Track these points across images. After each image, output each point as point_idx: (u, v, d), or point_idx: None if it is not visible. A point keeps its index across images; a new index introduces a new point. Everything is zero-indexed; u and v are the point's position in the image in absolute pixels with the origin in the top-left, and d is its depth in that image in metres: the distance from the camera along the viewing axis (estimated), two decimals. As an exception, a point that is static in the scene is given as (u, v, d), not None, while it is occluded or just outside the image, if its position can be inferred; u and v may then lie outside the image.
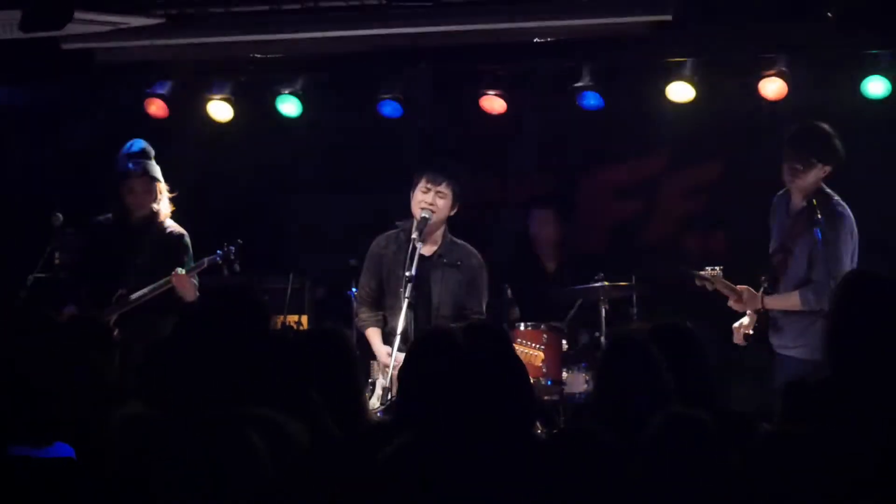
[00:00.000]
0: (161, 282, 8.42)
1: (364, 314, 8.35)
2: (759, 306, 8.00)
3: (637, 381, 4.97)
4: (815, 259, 7.72)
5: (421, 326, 7.95)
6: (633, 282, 9.63)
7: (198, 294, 8.46)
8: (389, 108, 10.28)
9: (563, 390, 9.11)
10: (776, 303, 7.98)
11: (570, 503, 4.26)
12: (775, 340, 8.03)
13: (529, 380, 4.92)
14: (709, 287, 8.15)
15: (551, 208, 10.34)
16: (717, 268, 8.19)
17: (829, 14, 8.46)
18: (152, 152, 8.65)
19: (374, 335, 8.21)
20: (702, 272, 8.16)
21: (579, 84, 10.02)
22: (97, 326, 6.59)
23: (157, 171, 8.62)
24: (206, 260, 8.59)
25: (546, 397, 9.04)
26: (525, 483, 4.36)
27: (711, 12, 8.93)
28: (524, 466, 4.41)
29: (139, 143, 8.64)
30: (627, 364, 5.09)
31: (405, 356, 5.39)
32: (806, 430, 4.14)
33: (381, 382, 7.97)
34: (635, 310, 9.61)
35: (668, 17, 8.64)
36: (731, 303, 8.15)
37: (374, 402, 7.86)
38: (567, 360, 9.22)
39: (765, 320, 8.05)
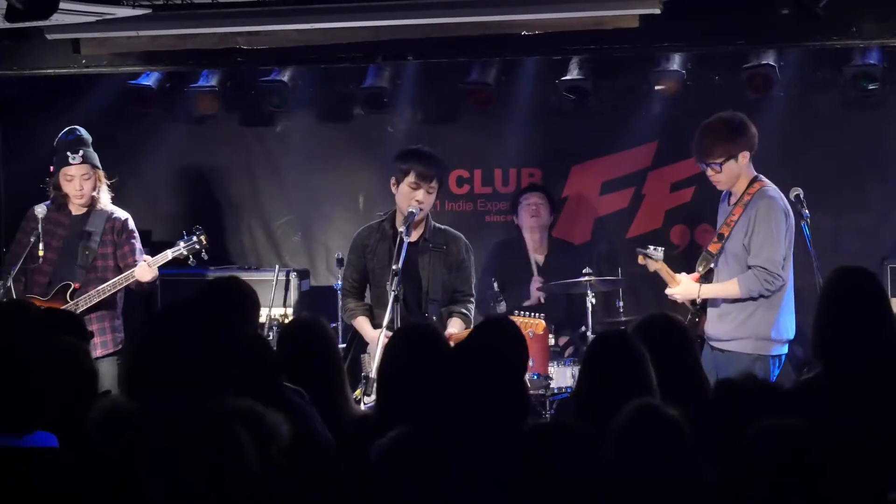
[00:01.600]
0: (124, 275, 8.37)
1: (351, 304, 8.33)
2: (695, 295, 7.88)
3: (620, 376, 4.95)
4: (751, 246, 7.65)
5: (412, 313, 7.95)
6: (620, 276, 9.62)
7: (157, 279, 8.43)
8: (375, 100, 10.30)
9: (550, 384, 9.08)
10: (713, 291, 7.84)
11: (550, 496, 4.25)
12: (712, 333, 7.84)
13: (524, 377, 4.91)
14: (650, 267, 8.00)
15: (541, 191, 10.28)
16: (660, 249, 8.05)
17: (817, 7, 8.44)
18: (90, 139, 8.58)
19: (363, 323, 8.19)
20: (645, 250, 8.03)
21: (567, 77, 10.02)
22: (72, 315, 6.58)
23: (95, 158, 8.55)
24: (169, 252, 8.53)
25: (532, 391, 9.02)
26: (509, 475, 4.35)
27: (699, 5, 8.91)
28: (509, 460, 4.40)
29: (76, 131, 8.56)
30: (611, 359, 5.07)
31: (382, 352, 5.37)
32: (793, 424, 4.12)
33: (372, 375, 7.93)
34: (622, 303, 9.60)
35: (657, 10, 8.62)
36: (668, 290, 8.02)
37: (373, 396, 7.82)
38: (553, 355, 9.20)
39: (697, 312, 7.94)
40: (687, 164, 9.85)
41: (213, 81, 10.47)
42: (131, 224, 8.64)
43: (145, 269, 8.33)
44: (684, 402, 4.46)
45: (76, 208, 8.57)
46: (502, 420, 4.57)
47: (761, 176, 7.82)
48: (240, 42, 9.51)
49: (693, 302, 7.92)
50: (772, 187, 7.78)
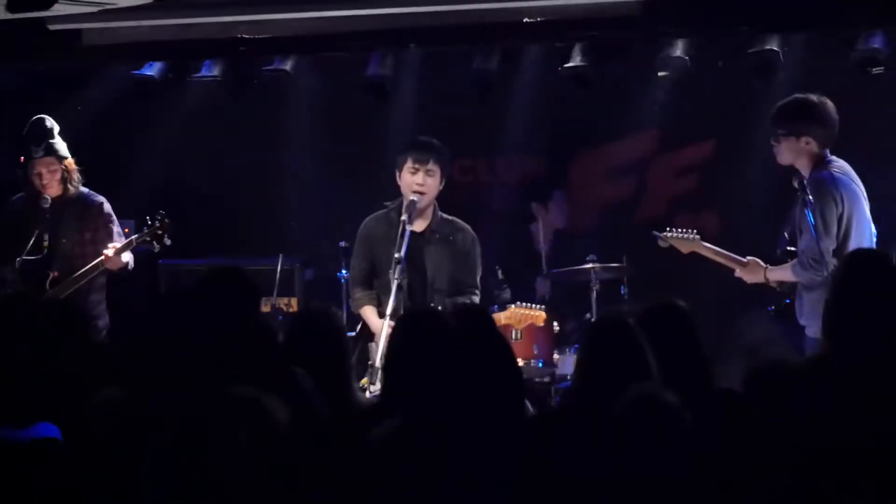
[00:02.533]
0: (93, 264, 8.33)
1: (358, 293, 8.31)
2: (762, 278, 7.93)
3: (619, 363, 4.93)
4: (804, 230, 7.68)
5: (416, 303, 7.93)
6: (625, 262, 9.61)
7: (131, 264, 8.40)
8: (376, 88, 10.28)
9: (555, 372, 9.10)
10: (780, 274, 7.90)
11: (554, 483, 4.25)
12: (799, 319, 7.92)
13: (516, 360, 4.89)
14: (683, 249, 8.09)
15: (549, 199, 10.30)
16: (691, 230, 8.15)
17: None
18: (56, 128, 8.53)
19: (370, 312, 8.18)
20: (661, 233, 8.12)
21: (570, 64, 9.99)
22: (74, 307, 6.55)
23: (62, 148, 8.50)
24: (133, 238, 8.48)
25: (537, 379, 9.03)
26: (513, 462, 4.35)
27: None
28: (512, 447, 4.39)
29: (41, 122, 8.51)
30: (610, 346, 5.05)
31: (388, 338, 5.36)
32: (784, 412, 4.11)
33: (377, 364, 7.92)
34: (626, 291, 9.59)
35: (659, -5, 8.61)
36: (736, 273, 8.05)
37: (378, 385, 7.82)
38: (558, 342, 9.20)
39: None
40: (691, 150, 9.85)
41: (216, 71, 10.44)
42: (107, 208, 8.59)
43: (111, 257, 8.29)
44: (686, 390, 4.46)
45: (50, 200, 8.49)
46: (496, 403, 4.56)
47: (831, 159, 7.79)
48: (242, 31, 9.50)
49: (762, 284, 7.93)
50: (827, 169, 7.75)
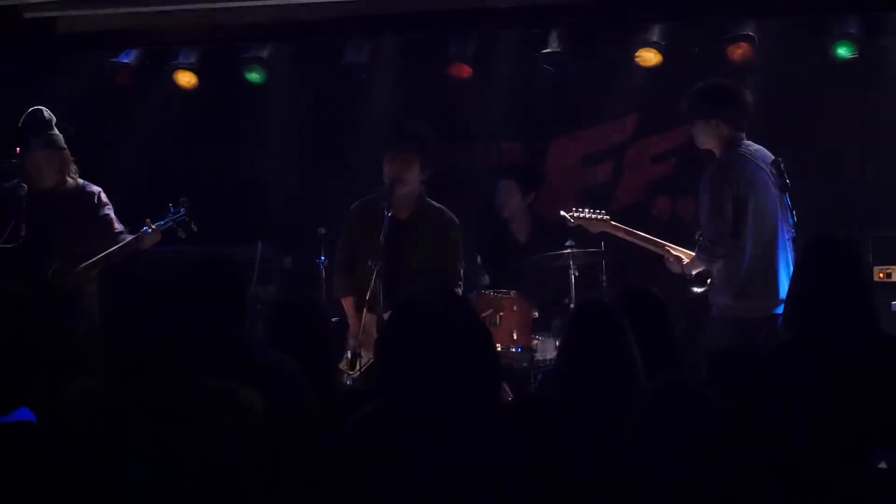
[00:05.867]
0: (129, 240, 8.34)
1: (339, 281, 8.32)
2: (679, 269, 7.99)
3: (601, 347, 4.95)
4: (701, 213, 7.79)
5: (399, 291, 7.92)
6: (603, 248, 9.63)
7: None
8: (353, 75, 10.29)
9: (534, 357, 9.12)
10: (691, 267, 7.96)
11: (532, 467, 4.27)
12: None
13: (494, 344, 4.91)
14: (591, 230, 8.23)
15: (513, 178, 10.34)
16: (601, 212, 8.29)
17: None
18: (53, 119, 8.51)
19: (348, 303, 8.20)
20: (570, 212, 8.29)
21: (546, 50, 10.00)
22: (62, 294, 6.56)
23: (60, 140, 8.49)
24: (170, 219, 8.49)
25: (516, 364, 9.05)
26: (490, 447, 4.37)
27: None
28: (489, 432, 4.42)
29: (39, 114, 8.49)
30: (592, 331, 5.07)
31: (383, 326, 5.37)
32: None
33: (351, 348, 7.95)
34: (605, 276, 9.61)
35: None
36: (667, 264, 8.12)
37: (355, 373, 7.85)
38: (537, 327, 9.22)
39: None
40: (668, 135, 9.87)
41: (192, 58, 10.43)
42: (104, 196, 8.57)
43: (154, 233, 8.33)
44: (658, 374, 4.49)
45: (46, 190, 8.49)
46: (472, 387, 4.58)
47: (744, 143, 7.84)
48: (218, 19, 9.48)
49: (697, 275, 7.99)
50: (725, 154, 7.79)
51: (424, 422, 4.45)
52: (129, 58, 10.35)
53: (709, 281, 7.91)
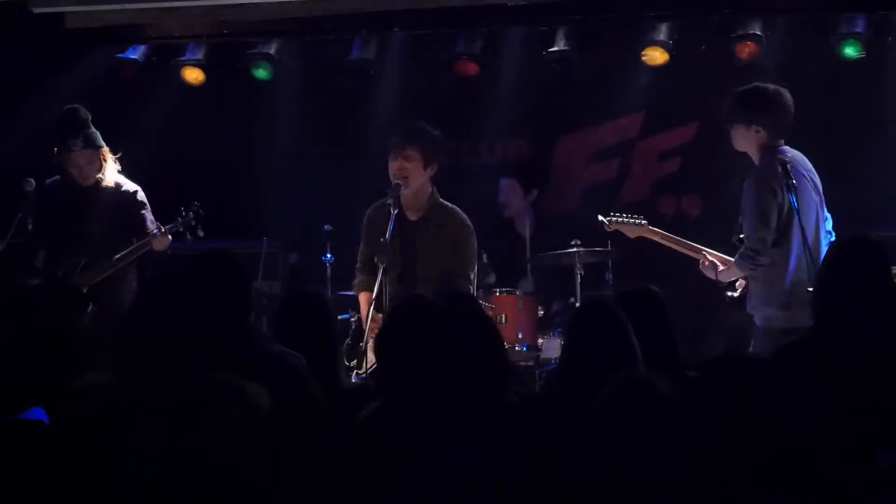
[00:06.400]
0: (140, 243, 8.35)
1: (359, 278, 8.25)
2: (714, 277, 7.93)
3: (604, 346, 4.95)
4: (745, 219, 7.71)
5: (406, 291, 7.87)
6: (609, 247, 9.62)
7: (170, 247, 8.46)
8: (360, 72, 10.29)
9: (539, 356, 9.12)
10: (726, 275, 7.90)
11: (533, 467, 4.28)
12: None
13: (503, 344, 4.91)
14: (630, 234, 8.16)
15: (514, 177, 10.35)
16: (639, 217, 8.22)
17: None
18: (89, 117, 8.51)
19: (363, 299, 8.14)
20: (607, 217, 8.21)
21: (553, 48, 10.00)
22: (71, 291, 6.55)
23: (98, 138, 8.48)
24: (177, 223, 8.50)
25: (521, 363, 9.05)
26: (491, 447, 4.37)
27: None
28: (490, 432, 4.42)
29: (77, 113, 8.48)
30: (595, 329, 5.07)
31: (382, 324, 5.37)
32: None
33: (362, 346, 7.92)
34: (610, 275, 9.61)
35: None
36: (700, 267, 8.07)
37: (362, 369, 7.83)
38: (542, 326, 9.23)
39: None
40: (674, 133, 9.86)
41: (199, 54, 10.44)
42: (141, 195, 8.58)
43: (162, 239, 8.34)
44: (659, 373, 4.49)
45: (85, 187, 8.50)
46: (481, 387, 4.59)
47: (783, 149, 7.77)
48: (225, 15, 9.49)
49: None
50: (769, 158, 7.72)
51: (424, 422, 4.45)
52: (135, 54, 10.36)
53: (738, 285, 7.86)
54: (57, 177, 8.52)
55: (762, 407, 4.10)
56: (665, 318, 5.62)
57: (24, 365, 4.42)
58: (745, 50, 9.70)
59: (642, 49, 9.86)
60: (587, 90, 10.59)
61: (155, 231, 8.37)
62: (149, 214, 8.55)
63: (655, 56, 9.83)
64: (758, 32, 9.65)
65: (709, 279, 7.93)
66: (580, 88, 10.54)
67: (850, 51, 9.61)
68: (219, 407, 3.82)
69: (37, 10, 9.36)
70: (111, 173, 8.51)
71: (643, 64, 9.96)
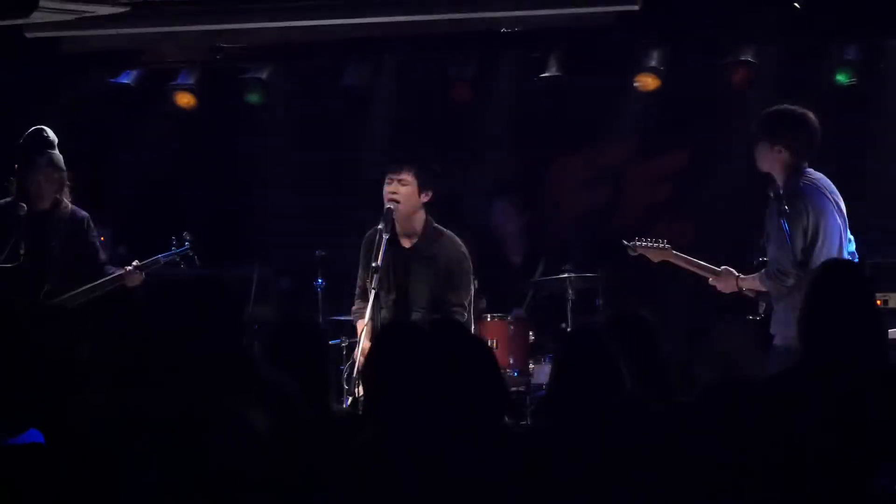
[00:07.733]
0: (111, 277, 8.34)
1: (357, 305, 8.17)
2: (734, 287, 7.93)
3: (592, 373, 4.94)
4: (771, 240, 7.70)
5: (398, 318, 7.83)
6: (599, 273, 9.63)
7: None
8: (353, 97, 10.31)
9: (530, 381, 9.12)
10: (748, 283, 7.91)
11: (537, 496, 4.27)
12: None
13: (498, 372, 4.91)
14: (653, 259, 8.11)
15: (508, 200, 10.36)
16: (663, 241, 8.17)
17: (795, 3, 8.48)
18: (56, 140, 8.52)
19: (359, 327, 8.05)
20: (632, 242, 8.15)
21: (545, 74, 10.02)
22: (66, 314, 6.54)
23: (61, 160, 8.47)
24: (161, 257, 8.49)
25: (512, 388, 9.05)
26: (494, 475, 4.37)
27: (678, 1, 8.94)
28: (493, 458, 4.42)
29: (43, 133, 8.48)
30: (582, 357, 5.06)
31: (368, 351, 5.36)
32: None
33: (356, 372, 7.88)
34: (601, 300, 9.61)
35: (635, 7, 8.65)
36: (710, 280, 8.06)
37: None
38: (533, 351, 9.23)
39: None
40: (666, 159, 9.87)
41: (192, 79, 10.45)
42: (91, 223, 8.58)
43: (134, 275, 8.32)
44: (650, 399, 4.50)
45: (41, 208, 8.48)
46: (477, 414, 4.59)
47: (807, 171, 7.78)
48: (219, 40, 9.51)
49: (735, 292, 7.93)
50: (804, 180, 7.73)
51: (412, 448, 4.45)
52: (128, 79, 10.38)
53: (761, 309, 7.85)
54: (10, 198, 8.50)
55: (754, 431, 4.11)
56: (655, 344, 5.62)
57: (21, 387, 4.42)
58: (738, 77, 9.73)
59: (635, 75, 9.89)
60: (579, 115, 10.61)
61: (129, 267, 8.34)
62: (98, 242, 8.54)
63: (648, 82, 9.86)
64: (750, 59, 9.68)
65: (702, 301, 7.94)
66: (572, 114, 10.56)
67: (841, 77, 9.64)
68: (221, 431, 3.81)
69: (31, 35, 9.37)
70: (67, 199, 8.50)
71: (635, 90, 9.98)
